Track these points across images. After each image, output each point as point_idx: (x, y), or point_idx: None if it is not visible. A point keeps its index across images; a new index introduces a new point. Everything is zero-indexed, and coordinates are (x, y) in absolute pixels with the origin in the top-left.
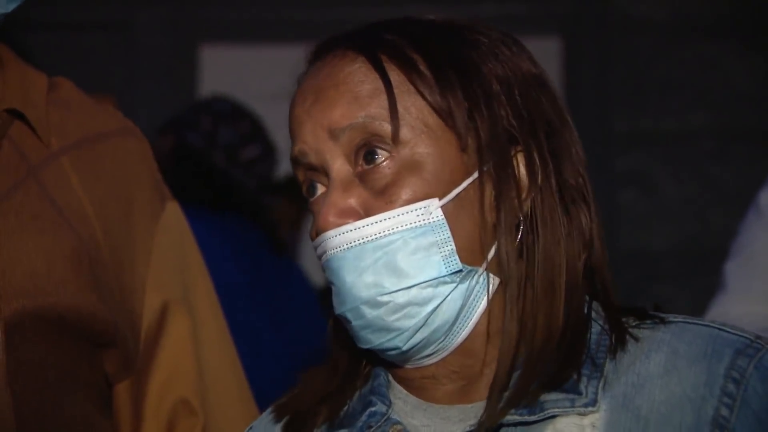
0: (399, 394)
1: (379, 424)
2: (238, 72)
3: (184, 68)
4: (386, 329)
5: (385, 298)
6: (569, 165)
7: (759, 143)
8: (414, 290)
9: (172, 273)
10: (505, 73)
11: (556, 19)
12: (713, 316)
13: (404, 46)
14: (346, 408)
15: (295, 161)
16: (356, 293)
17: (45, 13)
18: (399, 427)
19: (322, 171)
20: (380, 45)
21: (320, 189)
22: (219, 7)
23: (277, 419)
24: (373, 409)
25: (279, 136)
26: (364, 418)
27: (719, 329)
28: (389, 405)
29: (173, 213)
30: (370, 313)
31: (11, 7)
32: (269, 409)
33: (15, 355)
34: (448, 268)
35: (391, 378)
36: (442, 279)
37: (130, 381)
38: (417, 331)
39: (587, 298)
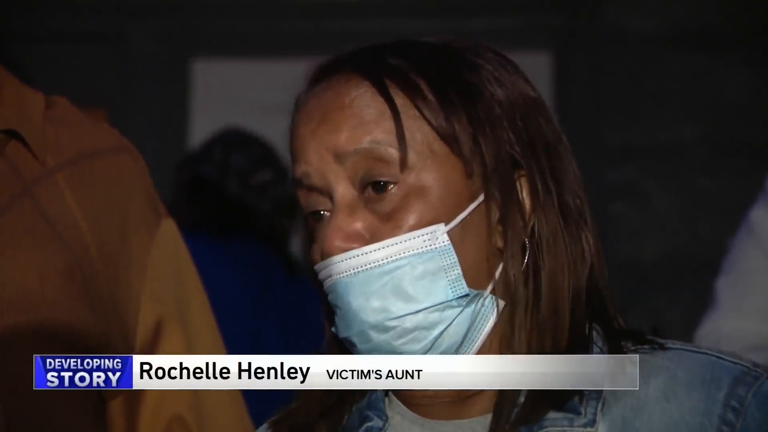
0: (396, 409)
1: None
2: (231, 85)
3: (177, 81)
4: (393, 353)
5: (393, 323)
6: (569, 187)
7: (750, 156)
8: (421, 315)
9: (167, 288)
10: (506, 97)
11: (546, 34)
12: (705, 332)
13: (408, 70)
14: (343, 423)
15: (298, 182)
16: (363, 318)
17: (38, 25)
18: None
19: (325, 193)
20: (385, 69)
21: (324, 214)
22: (212, 20)
23: None
24: (369, 424)
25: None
26: None
27: (717, 357)
28: (385, 420)
29: (168, 229)
30: (377, 337)
31: None
32: (264, 426)
33: (7, 370)
34: (455, 293)
35: (389, 393)
36: (448, 303)
37: (123, 397)
38: (424, 354)
39: (587, 318)
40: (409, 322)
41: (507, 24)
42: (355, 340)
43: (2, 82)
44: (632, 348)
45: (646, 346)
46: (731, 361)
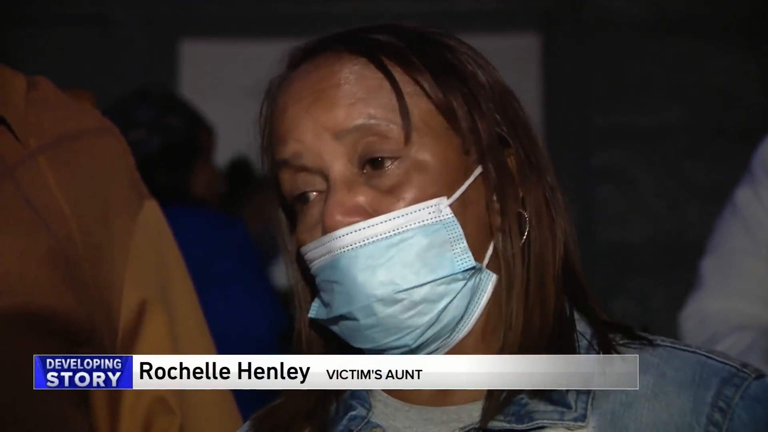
0: (379, 397)
1: (359, 427)
2: (218, 67)
3: (164, 63)
4: (398, 328)
5: (401, 295)
6: (546, 170)
7: (733, 140)
8: (428, 287)
9: (150, 271)
10: (487, 81)
11: (533, 16)
12: (690, 312)
13: (402, 47)
14: (328, 415)
15: (285, 163)
16: (369, 291)
17: (22, 8)
18: (379, 430)
19: (317, 172)
20: (379, 46)
21: (312, 195)
22: (199, 1)
23: None
24: (353, 413)
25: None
26: (344, 422)
27: (706, 357)
28: (369, 408)
29: (151, 211)
30: (383, 311)
31: None
32: (248, 423)
33: None
34: (462, 265)
35: None
36: (455, 276)
37: None
38: (429, 327)
39: (567, 305)
40: (416, 295)
41: (494, 6)
42: (358, 314)
43: None
44: (621, 342)
45: (635, 342)
46: (720, 362)
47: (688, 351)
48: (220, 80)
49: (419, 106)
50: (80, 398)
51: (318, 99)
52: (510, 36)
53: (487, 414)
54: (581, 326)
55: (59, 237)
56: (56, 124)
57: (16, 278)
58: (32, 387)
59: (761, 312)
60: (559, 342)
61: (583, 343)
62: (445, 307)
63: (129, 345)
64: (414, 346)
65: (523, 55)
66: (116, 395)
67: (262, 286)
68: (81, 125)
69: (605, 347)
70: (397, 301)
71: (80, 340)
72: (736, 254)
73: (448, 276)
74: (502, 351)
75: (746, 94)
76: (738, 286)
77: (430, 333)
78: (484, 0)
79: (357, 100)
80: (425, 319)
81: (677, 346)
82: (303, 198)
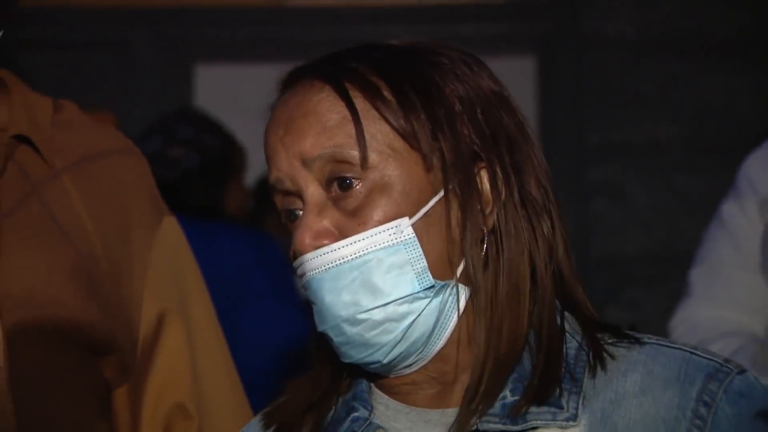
0: (381, 399)
1: (362, 428)
2: (231, 89)
3: (180, 85)
4: (366, 345)
5: (363, 316)
6: (532, 177)
7: (724, 155)
8: (390, 307)
9: (169, 283)
10: (466, 92)
11: (531, 39)
12: (680, 320)
13: (368, 72)
14: (330, 415)
15: (273, 188)
16: (335, 312)
17: (47, 33)
18: (381, 431)
19: (297, 196)
20: (345, 73)
21: (299, 213)
22: (213, 27)
23: (263, 429)
24: (356, 414)
25: None
26: (347, 423)
27: (691, 353)
28: (371, 410)
29: (170, 226)
30: (350, 330)
31: None
32: (257, 417)
33: (16, 363)
34: (422, 284)
35: (372, 385)
36: (416, 295)
37: (127, 386)
38: (396, 345)
39: (559, 307)
40: (378, 315)
41: (493, 30)
42: (330, 333)
43: (12, 88)
44: (609, 341)
45: (623, 341)
46: (705, 358)
47: (673, 348)
48: (232, 102)
49: (381, 130)
50: (103, 405)
51: (288, 129)
52: (509, 58)
53: (460, 424)
54: (570, 327)
55: (83, 252)
56: (80, 145)
57: (41, 292)
58: (57, 395)
59: (747, 319)
60: (547, 349)
61: (573, 343)
62: (411, 325)
63: (149, 355)
64: (385, 362)
65: (522, 75)
66: (137, 402)
67: (294, 300)
68: (104, 146)
69: (594, 346)
70: (360, 321)
71: (103, 349)
72: (722, 265)
73: (409, 295)
74: (475, 361)
75: (735, 112)
76: (725, 295)
77: (399, 350)
78: (484, 24)
79: (323, 129)
80: (391, 336)
81: (663, 343)
82: (291, 216)
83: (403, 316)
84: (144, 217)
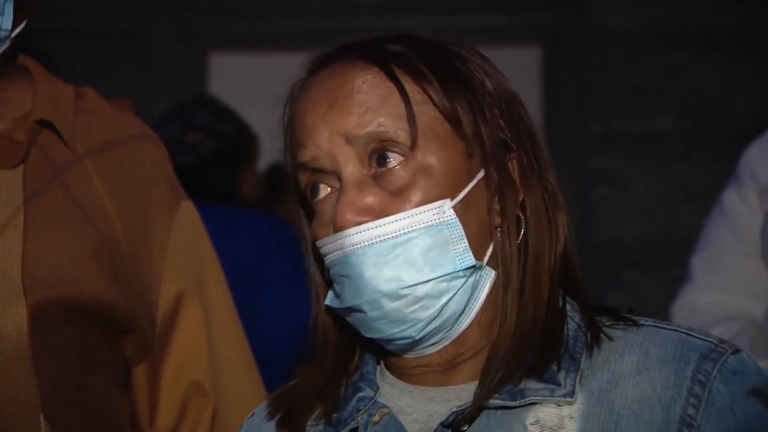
0: (387, 379)
1: (367, 407)
2: (246, 78)
3: (196, 74)
4: (403, 320)
5: (406, 291)
6: (548, 171)
7: (722, 144)
8: (431, 284)
9: (187, 266)
10: (494, 88)
11: (536, 30)
12: (681, 305)
13: (413, 57)
14: (339, 397)
15: (303, 166)
16: (376, 286)
17: (68, 23)
18: (385, 410)
19: (332, 174)
20: (391, 56)
21: (323, 191)
22: (228, 17)
23: (272, 413)
24: (361, 394)
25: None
26: (353, 402)
27: (687, 334)
28: (376, 390)
29: (188, 211)
30: (388, 305)
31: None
32: (265, 402)
33: (40, 340)
34: (462, 264)
35: (381, 365)
36: (455, 274)
37: (147, 364)
38: (431, 321)
39: (561, 291)
40: (420, 291)
41: (499, 21)
42: (365, 307)
43: (36, 76)
44: (608, 323)
45: (621, 323)
46: (700, 338)
47: (669, 329)
48: (246, 90)
49: (426, 113)
50: (123, 383)
51: (332, 106)
52: (514, 49)
53: (479, 398)
54: (570, 310)
55: (104, 234)
56: (101, 131)
57: (65, 271)
58: (80, 372)
59: (746, 304)
60: (550, 327)
61: (572, 325)
62: (447, 302)
63: (167, 334)
64: (417, 337)
65: (527, 66)
66: (156, 379)
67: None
68: (124, 132)
69: (593, 328)
70: (401, 296)
71: (123, 328)
72: (723, 252)
73: (449, 274)
74: (497, 342)
75: (734, 103)
76: (725, 281)
77: (432, 326)
78: (490, 16)
79: (368, 108)
80: (428, 313)
81: (659, 324)
82: (315, 191)
83: (442, 293)
84: (163, 202)
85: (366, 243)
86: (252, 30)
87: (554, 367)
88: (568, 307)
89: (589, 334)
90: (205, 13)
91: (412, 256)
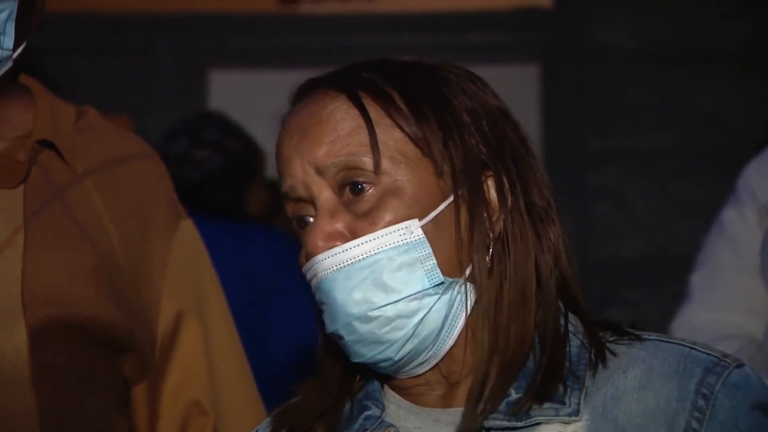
0: (392, 399)
1: (374, 426)
2: (245, 95)
3: (195, 91)
4: (378, 342)
5: (375, 313)
6: (535, 188)
7: (720, 162)
8: (401, 304)
9: (186, 284)
10: (473, 106)
11: (534, 48)
12: (681, 323)
13: (381, 82)
14: (342, 415)
15: (285, 196)
16: (347, 310)
17: (68, 40)
18: (393, 429)
19: (310, 202)
20: (359, 83)
21: (310, 220)
22: (228, 34)
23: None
24: (368, 413)
25: None
26: (360, 421)
27: (690, 348)
28: (383, 409)
29: (187, 229)
30: (361, 327)
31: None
32: (267, 420)
33: (39, 359)
34: (431, 281)
35: (384, 385)
36: (426, 291)
37: (146, 383)
38: (407, 341)
39: (563, 309)
40: (390, 311)
41: (498, 39)
42: (342, 332)
43: (37, 95)
44: (611, 339)
45: (624, 338)
46: (703, 352)
47: (673, 343)
48: (246, 107)
49: (394, 136)
50: (121, 402)
51: (303, 137)
52: (513, 66)
53: (466, 424)
54: (573, 327)
55: (104, 253)
56: (101, 150)
57: (64, 290)
58: (79, 390)
59: (745, 323)
60: (551, 350)
61: (575, 342)
62: (421, 321)
63: (167, 352)
64: (397, 358)
65: (525, 83)
66: (155, 398)
67: None
68: (124, 151)
69: (596, 345)
70: (372, 319)
71: (122, 347)
72: (722, 270)
73: (419, 292)
74: (479, 361)
75: (732, 120)
76: (724, 300)
77: (410, 346)
78: (489, 34)
79: (337, 137)
80: (402, 333)
81: (663, 338)
82: (302, 223)
83: (414, 312)
84: (162, 220)
85: (335, 267)
86: (251, 47)
87: (558, 387)
88: (570, 325)
89: (592, 351)
90: (204, 31)
91: (380, 278)
